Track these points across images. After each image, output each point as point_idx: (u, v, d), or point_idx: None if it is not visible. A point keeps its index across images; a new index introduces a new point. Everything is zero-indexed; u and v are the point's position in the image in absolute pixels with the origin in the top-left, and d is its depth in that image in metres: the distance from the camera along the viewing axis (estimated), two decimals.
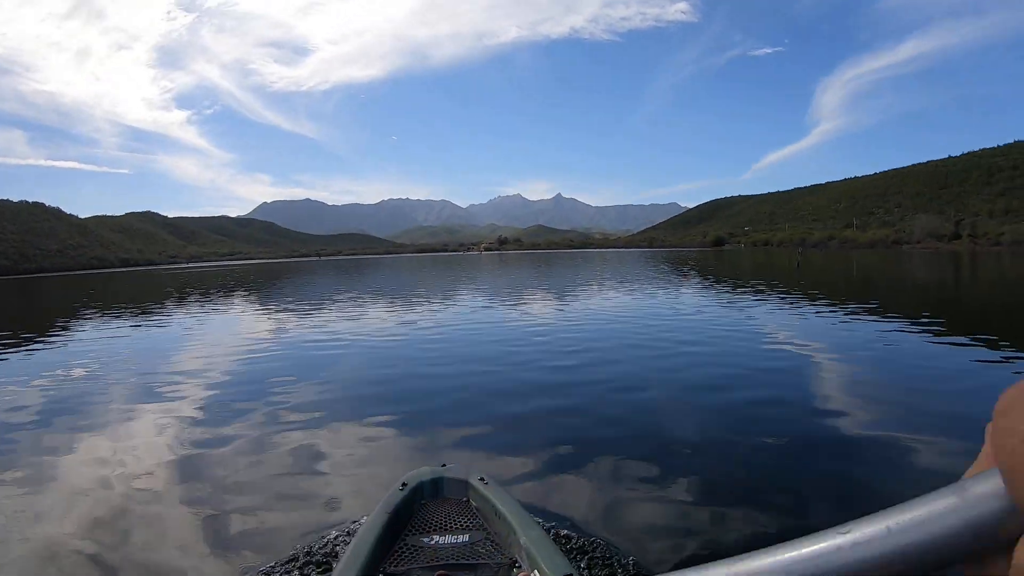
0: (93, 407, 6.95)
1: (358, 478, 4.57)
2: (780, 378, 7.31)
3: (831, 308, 14.01)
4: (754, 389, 6.80)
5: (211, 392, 7.48)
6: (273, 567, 3.15)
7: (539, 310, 16.40)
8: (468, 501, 2.56)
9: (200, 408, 6.73)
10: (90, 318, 18.77)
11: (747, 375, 7.48)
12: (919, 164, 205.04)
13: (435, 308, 17.98)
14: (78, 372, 9.19)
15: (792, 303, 15.45)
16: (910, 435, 4.98)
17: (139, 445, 5.43)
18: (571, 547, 3.20)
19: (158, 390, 7.63)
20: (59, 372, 9.26)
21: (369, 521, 2.31)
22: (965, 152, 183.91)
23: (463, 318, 15.01)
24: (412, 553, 2.15)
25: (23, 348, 12.15)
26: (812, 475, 4.37)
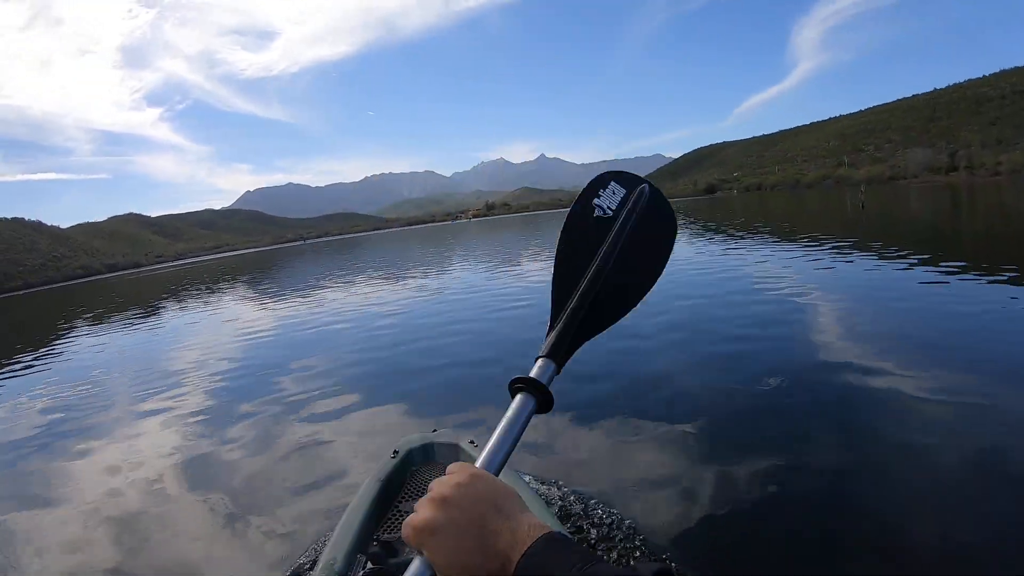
0: (95, 415, 7.06)
1: (361, 455, 4.63)
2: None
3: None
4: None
5: (209, 387, 7.60)
6: (278, 545, 3.35)
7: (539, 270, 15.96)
8: None
9: (201, 403, 6.86)
10: (78, 329, 18.82)
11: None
12: (905, 98, 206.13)
13: (424, 280, 17.85)
14: (74, 384, 9.20)
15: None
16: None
17: (145, 447, 5.55)
18: (562, 506, 3.26)
19: (157, 392, 7.67)
20: (56, 385, 9.35)
21: (362, 490, 2.33)
22: (951, 84, 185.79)
23: (449, 288, 15.06)
24: (405, 519, 1.69)
25: (21, 367, 11.97)
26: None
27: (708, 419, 4.46)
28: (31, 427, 7.00)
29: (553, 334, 0.81)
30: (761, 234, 20.07)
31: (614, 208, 0.89)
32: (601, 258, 0.87)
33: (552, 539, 0.52)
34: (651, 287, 0.87)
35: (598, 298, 0.84)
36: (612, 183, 0.90)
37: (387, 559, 1.72)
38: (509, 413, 0.71)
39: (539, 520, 0.54)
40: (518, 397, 0.73)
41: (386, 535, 2.08)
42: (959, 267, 9.49)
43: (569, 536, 0.55)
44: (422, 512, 0.57)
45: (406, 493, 2.39)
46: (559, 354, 0.79)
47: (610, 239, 0.88)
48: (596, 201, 0.88)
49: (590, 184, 0.90)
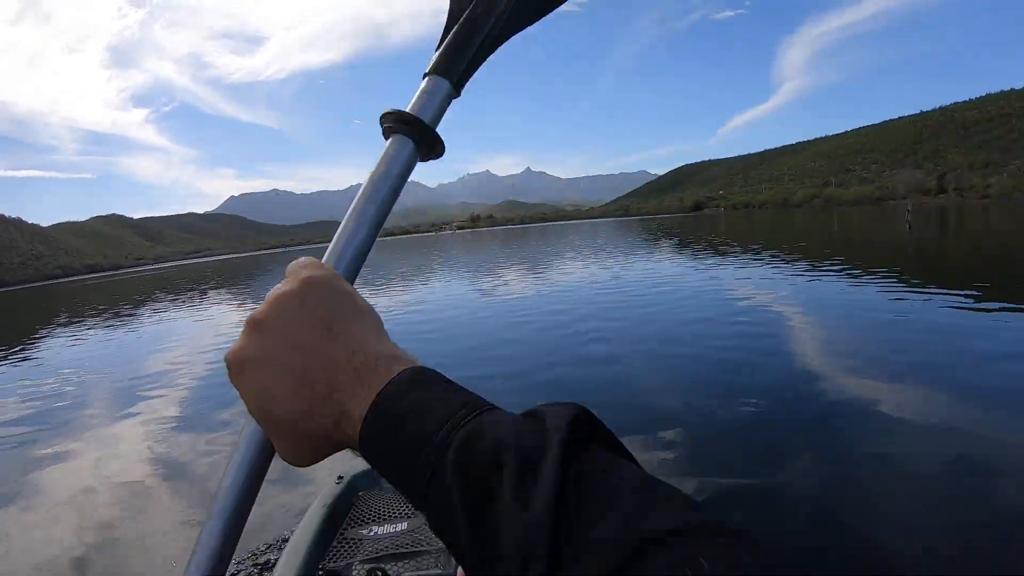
0: (71, 416, 6.98)
1: (308, 476, 4.41)
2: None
3: None
4: None
5: (187, 391, 7.47)
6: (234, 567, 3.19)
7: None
8: None
9: (178, 407, 6.77)
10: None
11: None
12: (892, 120, 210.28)
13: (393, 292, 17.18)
14: (53, 385, 9.03)
15: None
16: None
17: (120, 450, 5.49)
18: None
19: (135, 396, 7.56)
20: (35, 386, 9.11)
21: (307, 517, 2.25)
22: (937, 107, 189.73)
23: (416, 301, 14.59)
24: (351, 547, 2.13)
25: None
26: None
27: (688, 433, 4.42)
28: (4, 426, 6.87)
29: (450, 38, 0.55)
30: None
31: None
32: None
33: (422, 376, 0.35)
34: None
35: None
36: None
37: None
38: (375, 168, 0.48)
39: (402, 351, 0.37)
40: (389, 142, 0.49)
41: (331, 563, 2.07)
42: None
43: (441, 374, 0.36)
44: (238, 341, 0.39)
45: (352, 520, 2.33)
46: (456, 66, 0.53)
47: None
48: None
49: None
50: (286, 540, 2.68)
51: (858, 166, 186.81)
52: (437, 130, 0.48)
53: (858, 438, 4.20)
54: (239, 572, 3.14)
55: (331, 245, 0.46)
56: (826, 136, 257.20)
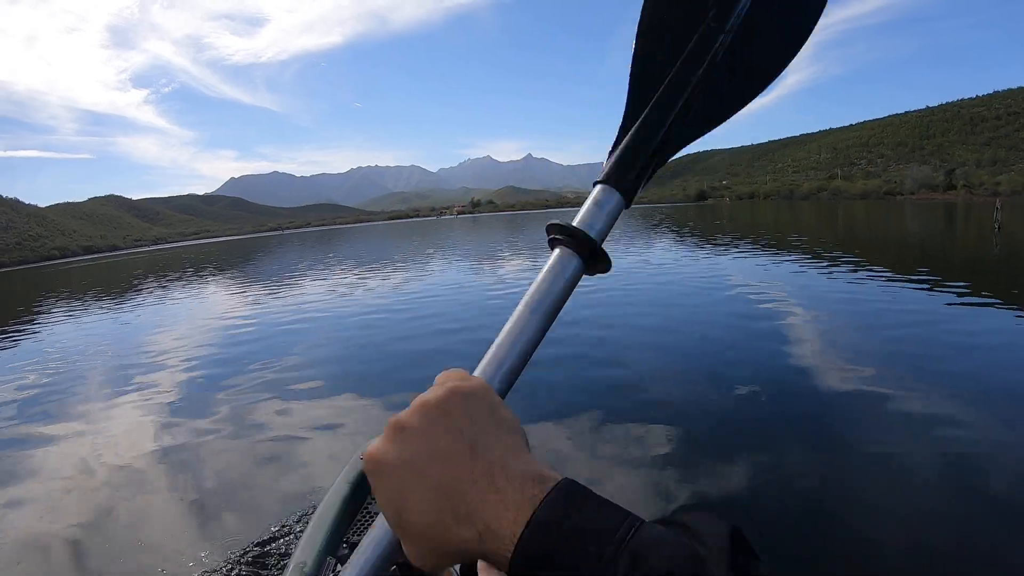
0: (67, 398, 6.96)
1: (333, 452, 4.63)
2: None
3: None
4: None
5: (181, 376, 7.48)
6: (250, 543, 3.25)
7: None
8: None
9: (173, 393, 6.73)
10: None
11: None
12: (898, 115, 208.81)
13: (402, 277, 17.56)
14: (45, 365, 9.10)
15: None
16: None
17: (117, 432, 5.52)
18: None
19: (128, 380, 7.52)
20: (31, 365, 9.20)
21: (332, 490, 1.79)
22: (944, 103, 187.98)
23: (427, 286, 14.89)
24: (375, 519, 2.89)
25: None
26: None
27: (688, 426, 4.48)
28: (4, 404, 6.96)
29: (623, 145, 0.52)
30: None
31: None
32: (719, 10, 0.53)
33: (572, 492, 0.34)
34: (796, 51, 0.53)
35: (710, 74, 0.52)
36: None
37: None
38: (538, 280, 0.47)
39: (542, 466, 0.36)
40: (554, 254, 0.47)
41: (356, 537, 1.86)
42: None
43: (583, 485, 0.34)
44: (376, 442, 0.39)
45: None
46: (628, 176, 0.51)
47: None
48: None
49: None
50: (311, 513, 2.73)
51: (863, 160, 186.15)
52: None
53: (853, 432, 4.22)
54: (264, 546, 3.22)
55: (487, 355, 0.45)
56: (830, 129, 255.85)
